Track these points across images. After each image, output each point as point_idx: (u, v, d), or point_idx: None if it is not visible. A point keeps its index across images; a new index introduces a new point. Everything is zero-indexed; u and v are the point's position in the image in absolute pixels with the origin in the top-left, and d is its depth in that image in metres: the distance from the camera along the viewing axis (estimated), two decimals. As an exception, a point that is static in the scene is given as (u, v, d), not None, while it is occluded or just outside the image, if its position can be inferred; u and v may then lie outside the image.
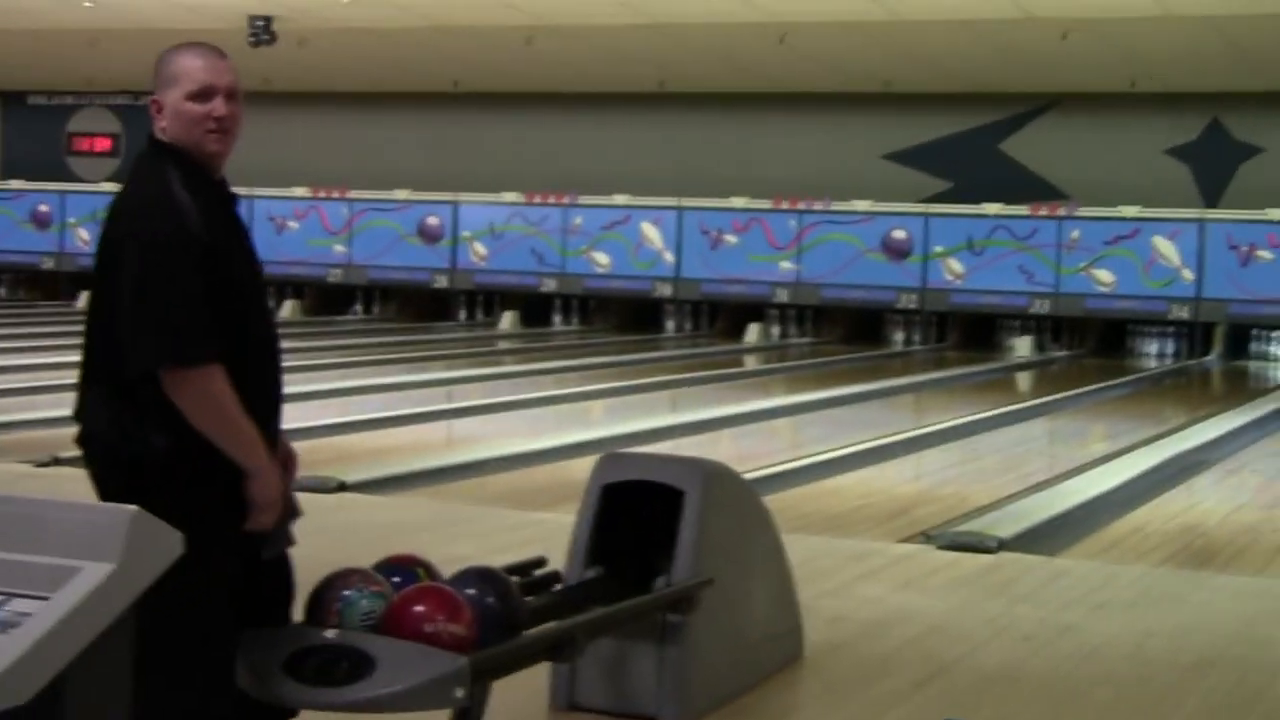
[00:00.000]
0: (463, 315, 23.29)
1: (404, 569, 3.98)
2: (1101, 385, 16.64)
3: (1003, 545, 7.41)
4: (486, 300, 23.35)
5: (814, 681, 5.19)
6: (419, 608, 3.70)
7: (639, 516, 4.85)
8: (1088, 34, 16.41)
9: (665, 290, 22.02)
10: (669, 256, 21.92)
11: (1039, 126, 21.16)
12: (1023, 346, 20.36)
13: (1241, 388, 18.01)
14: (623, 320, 22.37)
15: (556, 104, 22.88)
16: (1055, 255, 20.20)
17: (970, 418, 12.96)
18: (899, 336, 21.66)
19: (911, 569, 6.97)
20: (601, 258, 22.24)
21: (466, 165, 23.28)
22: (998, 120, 21.28)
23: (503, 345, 20.67)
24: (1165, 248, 19.76)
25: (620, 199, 22.16)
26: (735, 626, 4.91)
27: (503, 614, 3.89)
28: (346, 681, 3.52)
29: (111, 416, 3.46)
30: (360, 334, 20.94)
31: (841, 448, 10.80)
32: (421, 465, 9.59)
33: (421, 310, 23.10)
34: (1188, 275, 19.67)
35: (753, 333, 21.10)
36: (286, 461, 3.71)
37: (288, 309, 23.06)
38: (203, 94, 3.54)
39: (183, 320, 3.36)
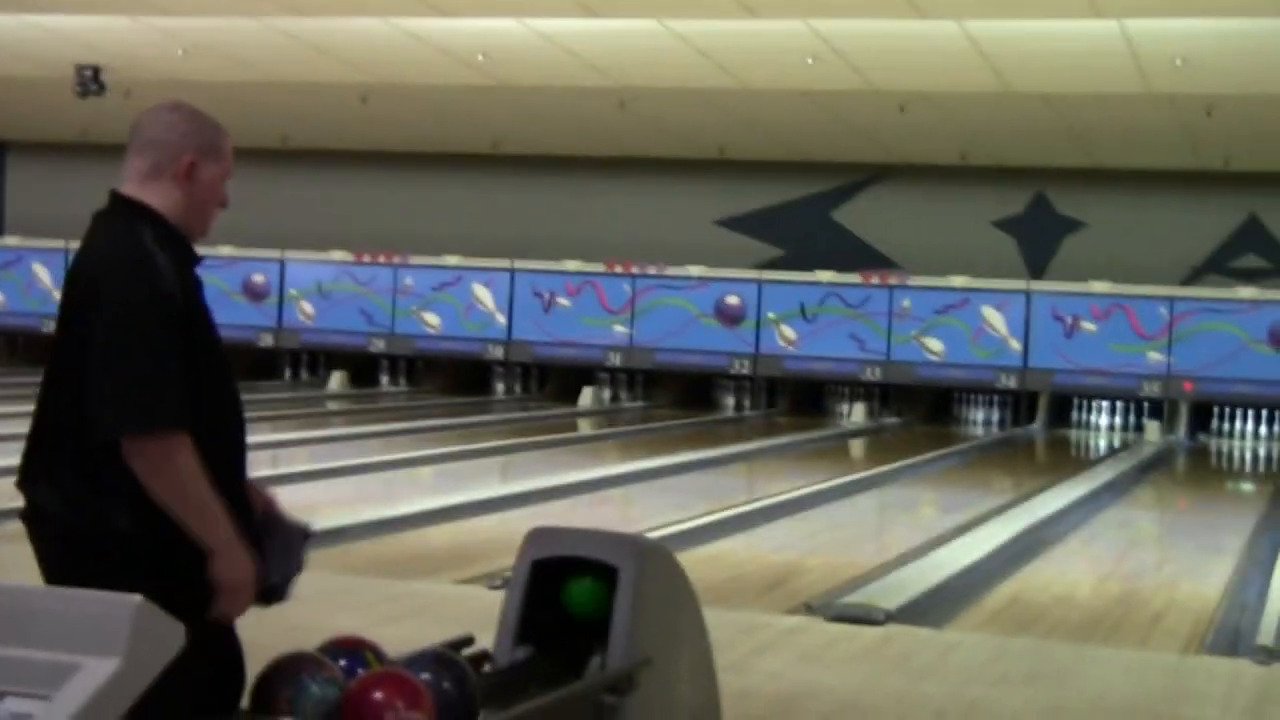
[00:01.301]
0: (288, 374, 22.85)
1: (351, 652, 3.77)
2: (936, 453, 16.80)
3: (889, 617, 7.36)
4: (311, 360, 22.95)
5: (740, 763, 5.05)
6: (378, 694, 3.48)
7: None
8: (924, 106, 16.65)
9: (497, 352, 21.81)
10: (500, 318, 21.73)
11: (870, 196, 21.44)
12: (857, 413, 20.52)
13: (1069, 456, 18.35)
14: (453, 382, 22.10)
15: (389, 163, 22.61)
16: (886, 323, 20.43)
17: (818, 485, 12.94)
18: (730, 401, 21.72)
19: (805, 642, 6.88)
20: (432, 318, 21.97)
21: (295, 223, 22.87)
22: (830, 189, 21.51)
23: (331, 406, 20.27)
24: (993, 317, 20.10)
25: (452, 259, 21.94)
26: (666, 706, 4.75)
27: (458, 700, 3.69)
28: (307, 776, 3.30)
29: (67, 491, 3.20)
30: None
31: (697, 516, 10.67)
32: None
33: (246, 369, 22.59)
34: (1014, 345, 20.03)
35: (586, 396, 20.98)
36: (266, 510, 3.47)
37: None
38: (228, 177, 3.50)
39: (151, 385, 3.13)
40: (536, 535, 4.73)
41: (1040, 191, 20.77)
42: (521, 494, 11.61)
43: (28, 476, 3.30)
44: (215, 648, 3.25)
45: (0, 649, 2.32)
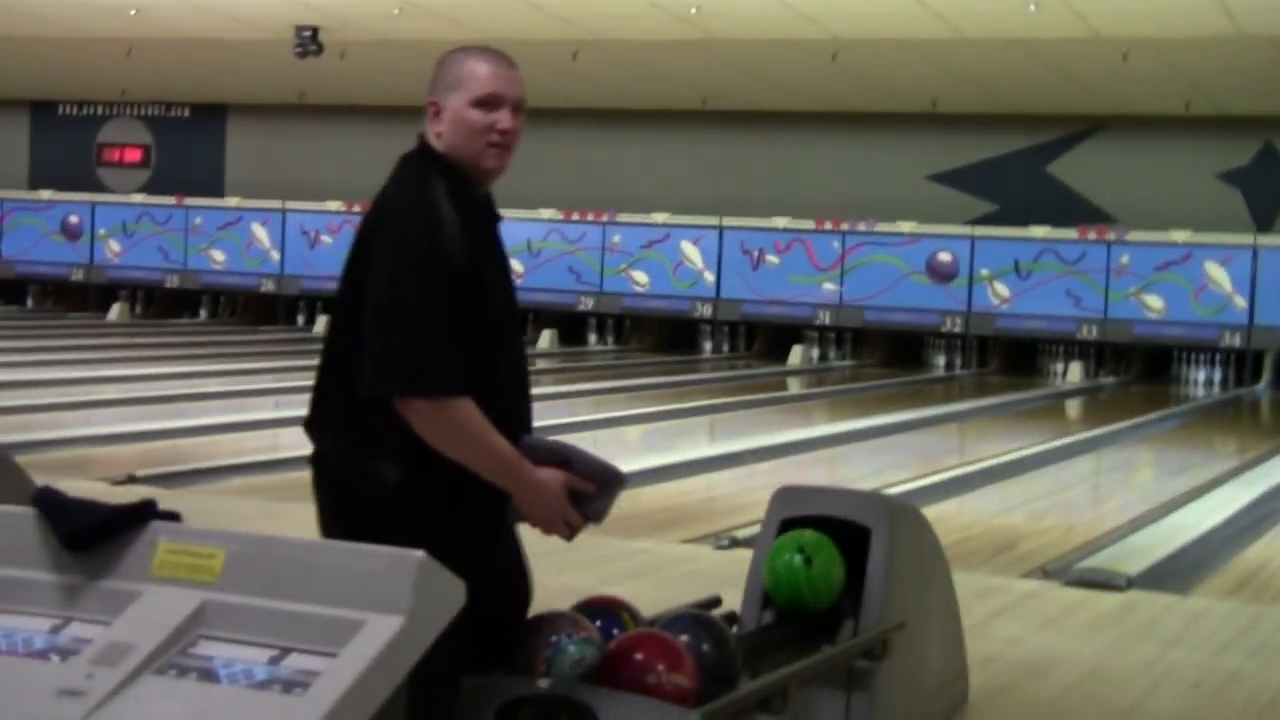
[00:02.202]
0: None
1: (607, 613, 3.69)
2: (1156, 414, 16.31)
3: (1130, 583, 7.11)
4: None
5: (991, 731, 4.90)
6: (638, 656, 3.40)
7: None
8: (1148, 54, 16.12)
9: (705, 311, 21.71)
10: (709, 276, 21.62)
11: (1087, 148, 20.86)
12: (1073, 373, 20.03)
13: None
14: (661, 340, 22.07)
15: (597, 120, 22.59)
16: (1104, 280, 19.89)
17: (1036, 447, 12.61)
18: (941, 360, 21.35)
19: (1043, 607, 6.66)
20: (641, 276, 21.93)
21: (505, 181, 22.88)
22: (1045, 142, 20.98)
23: (541, 365, 20.36)
24: (1217, 273, 19.45)
25: (660, 217, 21.87)
26: (916, 672, 4.61)
27: (718, 663, 3.59)
28: (566, 735, 3.23)
29: (341, 443, 3.16)
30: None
31: (912, 478, 10.45)
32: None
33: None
34: (1240, 302, 19.36)
35: (795, 355, 20.78)
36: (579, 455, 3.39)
37: (322, 324, 22.83)
38: (489, 102, 3.27)
39: (429, 346, 3.04)
40: (785, 493, 4.62)
41: (1268, 141, 20.01)
42: (730, 454, 11.48)
43: (313, 423, 3.27)
44: (492, 590, 3.15)
45: (286, 603, 2.26)
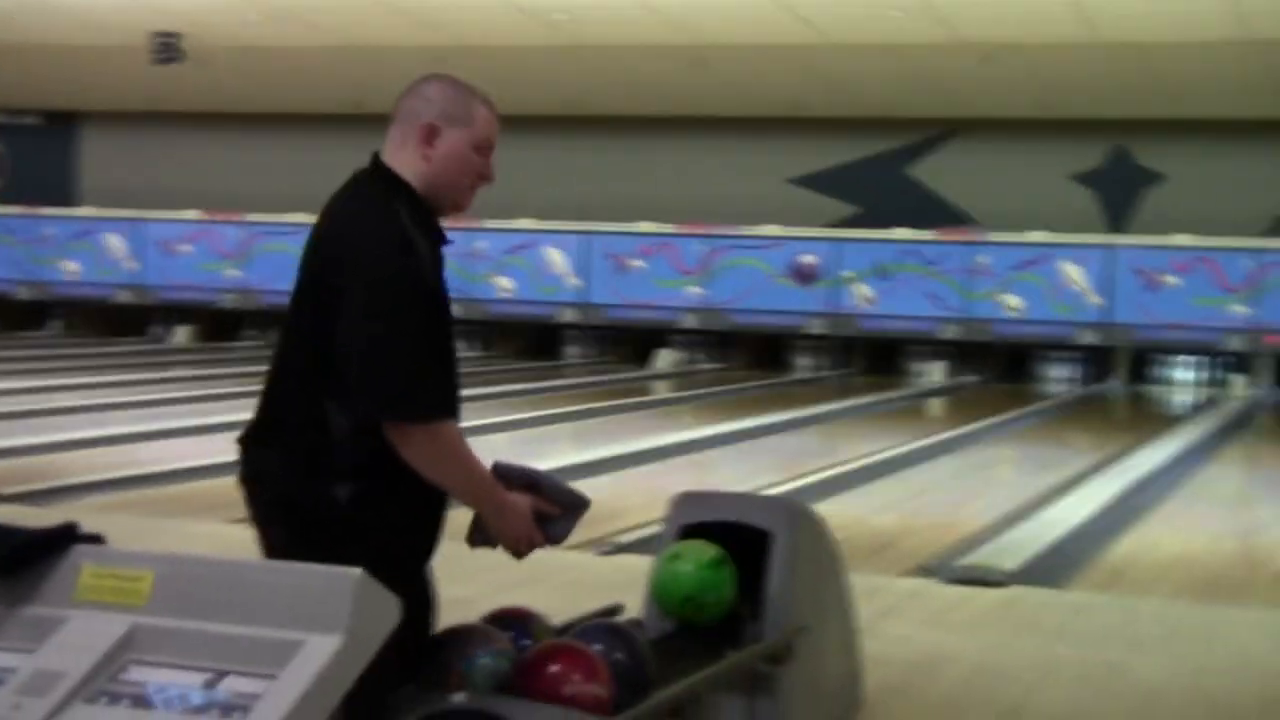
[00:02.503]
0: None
1: (518, 624, 3.68)
2: (1016, 412, 16.59)
3: (1009, 578, 7.22)
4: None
5: (889, 730, 4.95)
6: (554, 667, 3.40)
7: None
8: (1007, 58, 16.40)
9: (570, 315, 21.71)
10: (574, 281, 21.63)
11: (946, 151, 21.18)
12: (935, 372, 20.32)
13: (1153, 413, 18.12)
14: (526, 346, 22.03)
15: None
16: (964, 280, 20.21)
17: (904, 447, 12.77)
18: (806, 362, 21.54)
19: (927, 605, 6.75)
20: (505, 282, 21.87)
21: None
22: (906, 145, 21.27)
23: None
24: (1073, 273, 19.84)
25: (525, 223, 21.84)
26: (817, 674, 4.64)
27: (633, 671, 3.59)
28: (484, 750, 3.21)
29: (292, 461, 3.13)
30: (256, 360, 20.35)
31: (782, 481, 10.51)
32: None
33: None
34: (1095, 300, 19.77)
35: (660, 358, 20.85)
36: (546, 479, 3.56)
37: (181, 334, 22.58)
38: (484, 148, 3.37)
39: (416, 370, 3.12)
40: (685, 499, 4.63)
41: (1120, 144, 20.46)
42: (599, 460, 11.45)
43: (254, 439, 3.24)
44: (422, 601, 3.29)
45: (220, 625, 2.23)
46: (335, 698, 2.20)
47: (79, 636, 2.25)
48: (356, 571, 2.28)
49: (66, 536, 2.44)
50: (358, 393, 3.11)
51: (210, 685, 2.17)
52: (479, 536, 3.44)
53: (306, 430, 3.15)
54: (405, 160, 3.33)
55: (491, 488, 3.32)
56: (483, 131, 3.35)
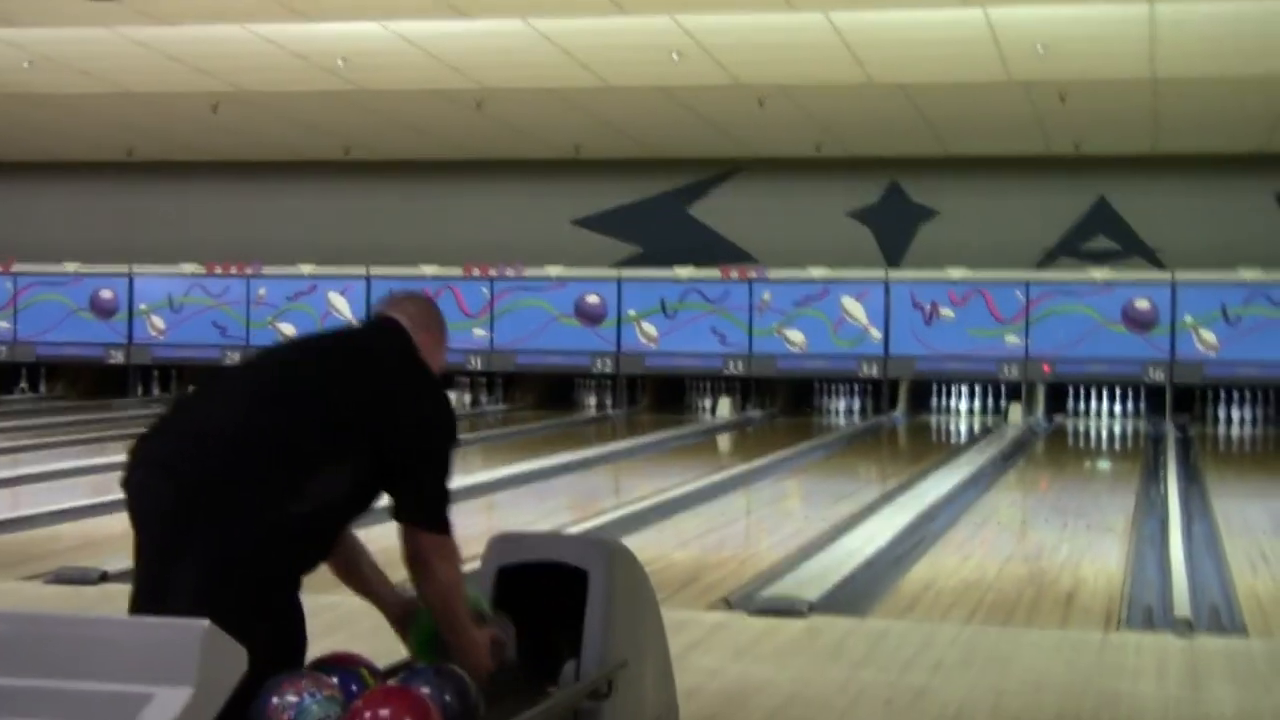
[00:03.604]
0: (140, 391, 22.34)
1: (345, 669, 3.68)
2: (803, 445, 16.87)
3: (811, 608, 7.36)
4: (163, 375, 22.48)
5: (707, 762, 5.01)
6: (384, 711, 3.40)
7: (527, 598, 4.60)
8: (783, 99, 16.74)
9: (356, 361, 21.49)
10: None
11: (726, 190, 21.53)
12: (722, 408, 20.59)
13: (934, 442, 18.57)
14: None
15: (240, 172, 22.23)
16: (747, 317, 20.53)
17: (696, 483, 12.87)
18: (593, 401, 21.66)
19: (733, 637, 6.85)
20: (288, 329, 21.61)
21: (144, 236, 22.41)
22: (686, 185, 21.56)
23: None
24: (853, 307, 20.29)
25: (306, 268, 21.63)
26: (636, 708, 4.68)
27: (462, 714, 3.60)
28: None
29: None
30: (32, 413, 19.82)
31: (576, 520, 10.54)
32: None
33: (93, 387, 22.10)
34: (875, 333, 20.23)
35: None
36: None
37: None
38: None
39: (448, 495, 4.20)
40: (501, 541, 4.65)
41: (894, 181, 21.00)
42: (385, 504, 11.31)
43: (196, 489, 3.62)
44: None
45: (72, 682, 2.19)
46: (188, 749, 2.18)
47: (-83, 699, 2.20)
48: (203, 622, 2.27)
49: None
50: (415, 502, 4.09)
51: (59, 743, 2.14)
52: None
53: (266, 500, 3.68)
54: (428, 349, 4.27)
55: (468, 624, 4.08)
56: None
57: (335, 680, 3.54)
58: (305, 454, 3.77)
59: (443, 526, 4.04)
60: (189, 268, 21.83)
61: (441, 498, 4.08)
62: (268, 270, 21.73)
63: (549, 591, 4.57)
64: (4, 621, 2.28)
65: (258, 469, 3.65)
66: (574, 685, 4.23)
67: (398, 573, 6.58)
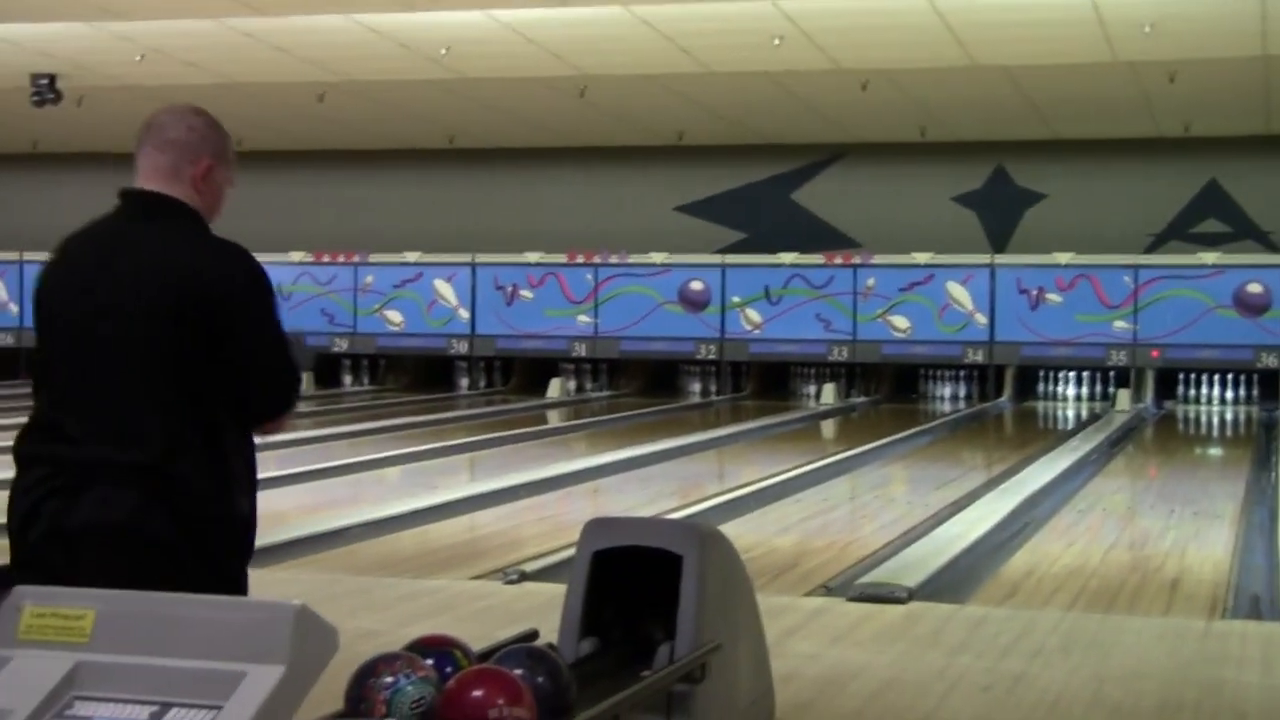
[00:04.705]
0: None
1: (439, 651, 3.72)
2: (907, 431, 16.81)
3: (910, 594, 7.35)
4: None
5: (802, 746, 5.03)
6: (477, 692, 3.43)
7: (621, 582, 4.64)
8: (886, 84, 16.66)
9: (461, 347, 21.71)
10: (463, 313, 21.64)
11: (830, 176, 21.46)
12: (825, 394, 20.54)
13: (1040, 429, 18.43)
14: (417, 379, 22.01)
15: (346, 161, 22.50)
16: (852, 303, 20.46)
17: (798, 469, 12.88)
18: (697, 387, 21.70)
19: (832, 623, 6.85)
20: (394, 316, 21.85)
21: (253, 225, 22.64)
22: (790, 170, 21.53)
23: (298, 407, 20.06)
24: (958, 293, 20.16)
25: (412, 256, 21.84)
26: (730, 693, 4.72)
27: (554, 694, 3.64)
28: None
29: (136, 503, 3.19)
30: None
31: (679, 506, 10.58)
32: (281, 537, 9.14)
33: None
34: (980, 319, 20.09)
35: (552, 388, 20.91)
36: None
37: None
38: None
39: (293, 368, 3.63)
40: (596, 525, 4.69)
41: (999, 164, 20.85)
42: (494, 491, 11.43)
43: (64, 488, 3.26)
44: None
45: (163, 659, 2.26)
46: (279, 727, 2.24)
47: (24, 675, 2.28)
48: (297, 603, 2.33)
49: (4, 579, 2.46)
50: (264, 395, 3.51)
51: (156, 718, 2.21)
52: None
53: (148, 470, 3.24)
54: (180, 191, 3.50)
55: None
56: (234, 162, 3.61)
57: (430, 661, 3.58)
58: (175, 406, 3.50)
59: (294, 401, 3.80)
60: (297, 255, 22.11)
61: (289, 374, 3.75)
62: (374, 258, 21.97)
63: (644, 576, 4.61)
64: (105, 601, 2.36)
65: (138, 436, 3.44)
66: (667, 668, 4.26)
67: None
